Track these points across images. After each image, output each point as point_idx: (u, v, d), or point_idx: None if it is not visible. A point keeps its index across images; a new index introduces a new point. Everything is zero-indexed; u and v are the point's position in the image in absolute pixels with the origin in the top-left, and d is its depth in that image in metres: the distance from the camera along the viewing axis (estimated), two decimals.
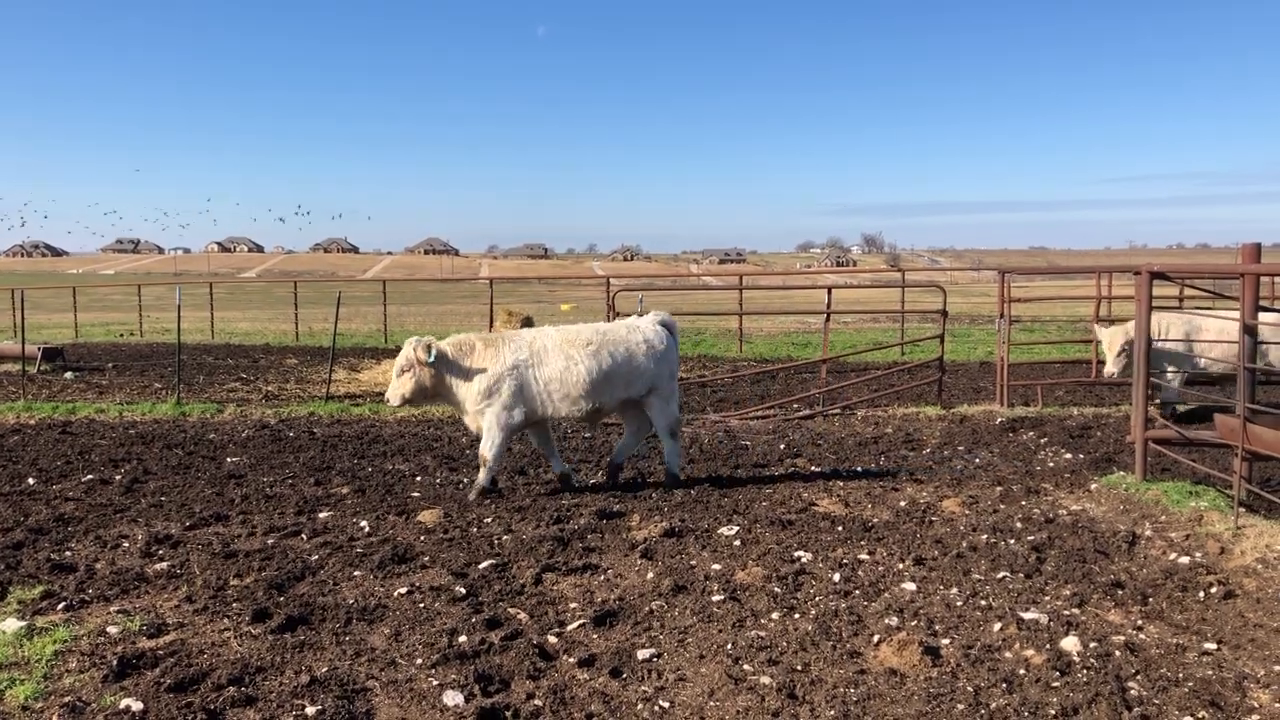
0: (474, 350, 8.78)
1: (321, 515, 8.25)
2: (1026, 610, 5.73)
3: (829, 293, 16.60)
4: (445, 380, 8.76)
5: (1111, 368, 12.41)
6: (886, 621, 5.60)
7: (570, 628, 5.58)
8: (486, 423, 8.66)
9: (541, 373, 8.68)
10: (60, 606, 5.95)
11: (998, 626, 5.49)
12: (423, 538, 7.50)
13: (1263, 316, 12.62)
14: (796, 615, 5.74)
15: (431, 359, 8.67)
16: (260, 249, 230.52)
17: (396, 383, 8.85)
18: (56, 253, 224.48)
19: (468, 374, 8.71)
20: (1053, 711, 4.44)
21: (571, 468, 9.89)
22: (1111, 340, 12.39)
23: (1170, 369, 12.42)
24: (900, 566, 6.64)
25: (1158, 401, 12.58)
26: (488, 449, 8.72)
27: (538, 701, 4.61)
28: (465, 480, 9.63)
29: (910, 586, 6.20)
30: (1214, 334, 12.53)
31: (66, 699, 4.61)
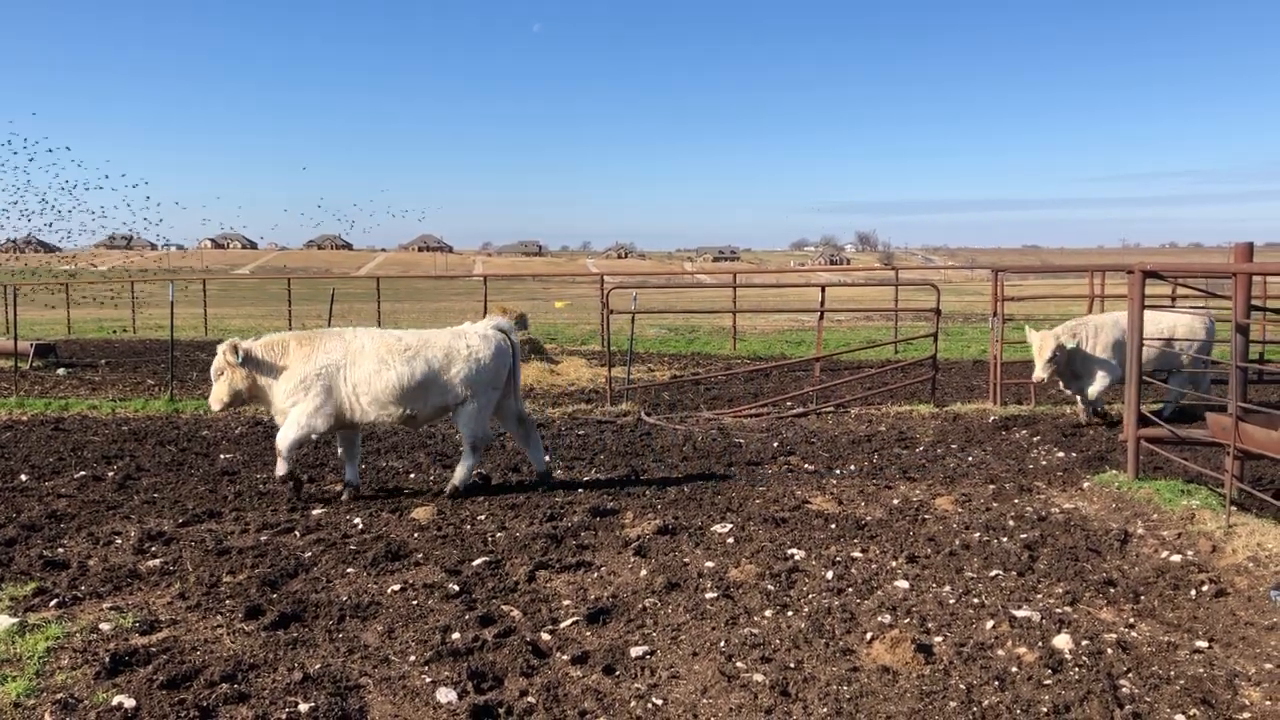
0: (286, 350, 8.57)
1: (315, 512, 8.25)
2: (1019, 608, 5.75)
3: (823, 291, 16.61)
4: (257, 381, 8.56)
5: (1040, 373, 12.01)
6: (879, 619, 5.61)
7: (563, 625, 5.59)
8: (289, 416, 8.44)
9: (351, 375, 8.46)
10: (53, 603, 5.94)
11: (990, 624, 5.50)
12: (416, 535, 7.50)
13: (1176, 317, 12.49)
14: (789, 613, 5.75)
15: (240, 360, 8.52)
16: (254, 245, 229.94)
17: (214, 386, 8.67)
18: (49, 248, 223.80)
19: (278, 374, 8.53)
20: (1045, 709, 4.45)
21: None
22: (1042, 345, 11.98)
23: (1100, 371, 12.18)
24: (893, 564, 6.66)
25: (1093, 408, 12.45)
26: (284, 441, 8.47)
27: (531, 699, 4.61)
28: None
29: (903, 584, 6.22)
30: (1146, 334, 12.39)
31: (59, 696, 4.60)
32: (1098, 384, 12.24)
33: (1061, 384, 12.62)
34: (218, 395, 8.64)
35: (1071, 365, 12.23)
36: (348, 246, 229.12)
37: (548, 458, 10.63)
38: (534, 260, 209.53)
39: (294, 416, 8.44)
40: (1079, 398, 12.58)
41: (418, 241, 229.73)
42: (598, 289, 23.54)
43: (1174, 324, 12.38)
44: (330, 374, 8.46)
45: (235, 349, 8.50)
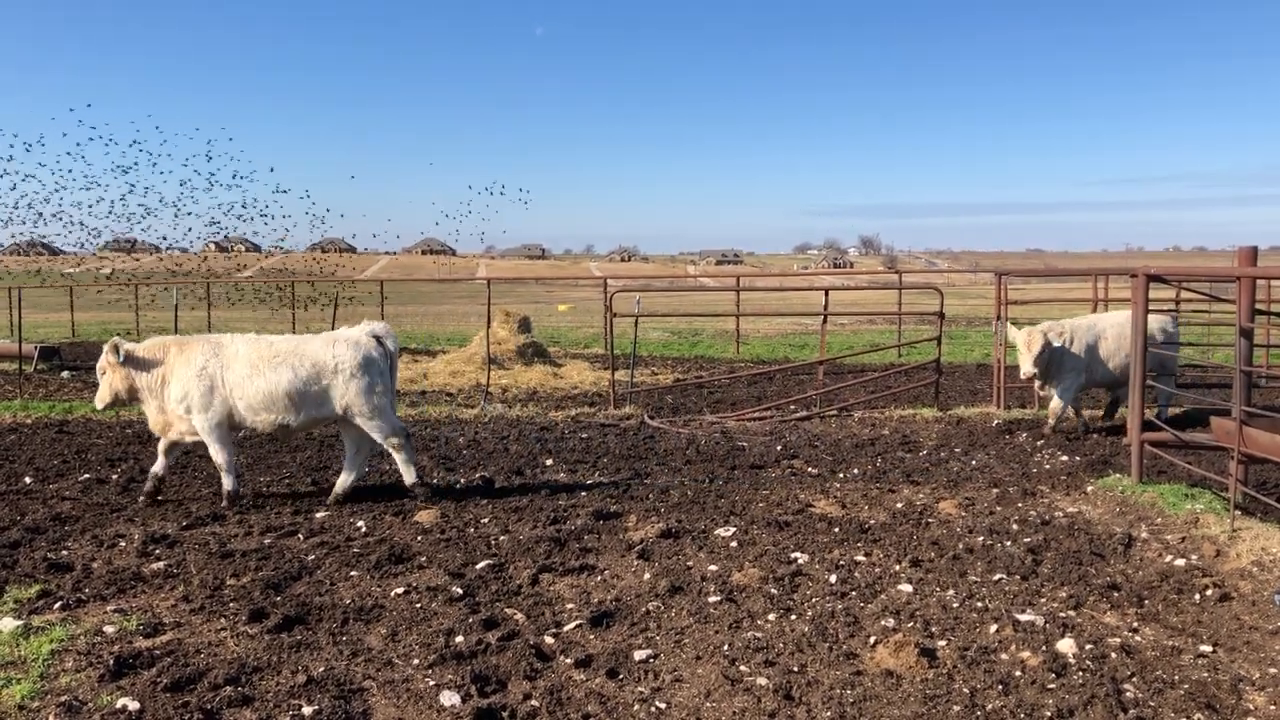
0: (166, 353, 8.60)
1: (318, 515, 8.25)
2: (1023, 612, 5.74)
3: (826, 294, 16.59)
4: (136, 382, 8.58)
5: (1029, 368, 11.71)
6: (883, 623, 5.61)
7: (567, 628, 5.59)
8: (200, 430, 8.51)
9: (227, 378, 8.47)
10: (57, 606, 5.95)
11: (994, 628, 5.50)
12: (420, 538, 7.50)
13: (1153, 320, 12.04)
14: (793, 616, 5.74)
15: (121, 360, 8.53)
16: (257, 248, 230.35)
17: (100, 385, 8.74)
18: (53, 251, 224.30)
19: (159, 377, 8.55)
20: (1049, 713, 4.45)
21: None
22: (1029, 340, 11.70)
23: (1071, 374, 11.97)
24: (897, 568, 6.66)
25: (1062, 412, 12.13)
26: (214, 456, 8.58)
27: (534, 702, 4.62)
28: (463, 480, 9.62)
29: (907, 588, 6.21)
30: (1112, 339, 12.07)
31: (63, 698, 4.61)
32: (1067, 386, 12.04)
33: (1038, 384, 12.49)
34: (101, 394, 8.75)
35: (1049, 366, 12.02)
36: (351, 249, 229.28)
37: (550, 460, 10.64)
38: (537, 263, 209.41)
39: (201, 428, 8.51)
40: (1051, 401, 12.30)
41: (421, 244, 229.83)
42: (601, 292, 23.55)
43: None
44: (211, 375, 8.47)
45: (116, 349, 8.55)
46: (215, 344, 8.67)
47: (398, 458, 8.83)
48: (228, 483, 8.60)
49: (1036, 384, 12.50)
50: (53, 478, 9.84)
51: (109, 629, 5.54)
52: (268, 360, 8.48)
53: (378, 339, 8.84)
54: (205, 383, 8.44)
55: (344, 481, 8.88)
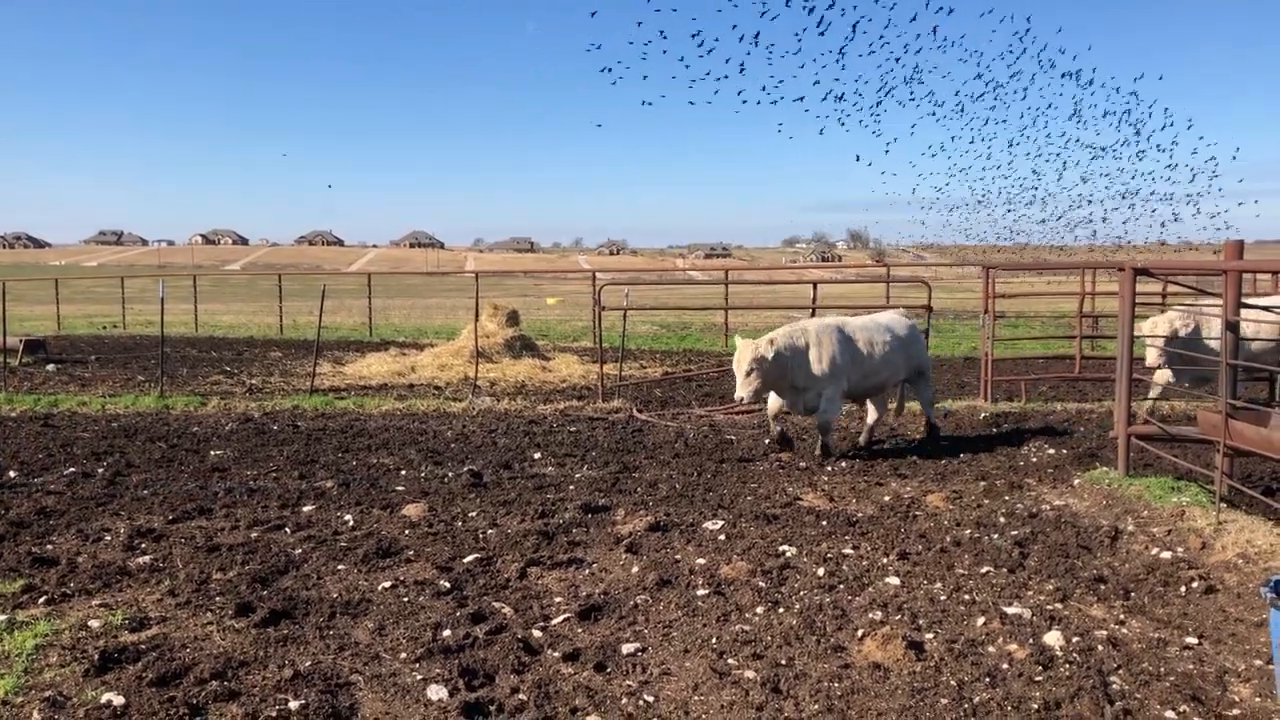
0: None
1: (305, 509, 8.22)
2: (1010, 605, 5.76)
3: (814, 288, 16.64)
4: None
5: (740, 392, 10.07)
6: (871, 616, 5.62)
7: (555, 622, 5.59)
8: None
9: None
10: (41, 600, 5.92)
11: (981, 621, 5.51)
12: (407, 532, 7.48)
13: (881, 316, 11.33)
14: (781, 610, 5.75)
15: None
16: (244, 241, 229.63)
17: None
18: (39, 244, 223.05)
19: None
20: (1035, 705, 4.46)
21: None
22: (739, 358, 10.07)
23: (825, 385, 10.37)
24: (884, 561, 6.67)
25: (827, 434, 10.49)
26: None
27: (522, 696, 4.61)
28: (450, 474, 9.61)
29: (894, 581, 6.23)
30: (863, 343, 10.62)
31: (47, 693, 4.58)
32: (824, 402, 10.35)
33: (781, 402, 10.64)
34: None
35: (789, 378, 10.30)
36: (339, 243, 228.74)
37: (538, 454, 10.63)
38: (526, 257, 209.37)
39: None
40: (816, 418, 10.59)
41: (409, 238, 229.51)
42: (589, 285, 23.52)
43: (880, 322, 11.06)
44: None
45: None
46: None
47: None
48: None
49: (773, 403, 10.71)
50: (37, 471, 9.78)
51: (94, 624, 5.51)
52: None
53: None
54: None
55: None
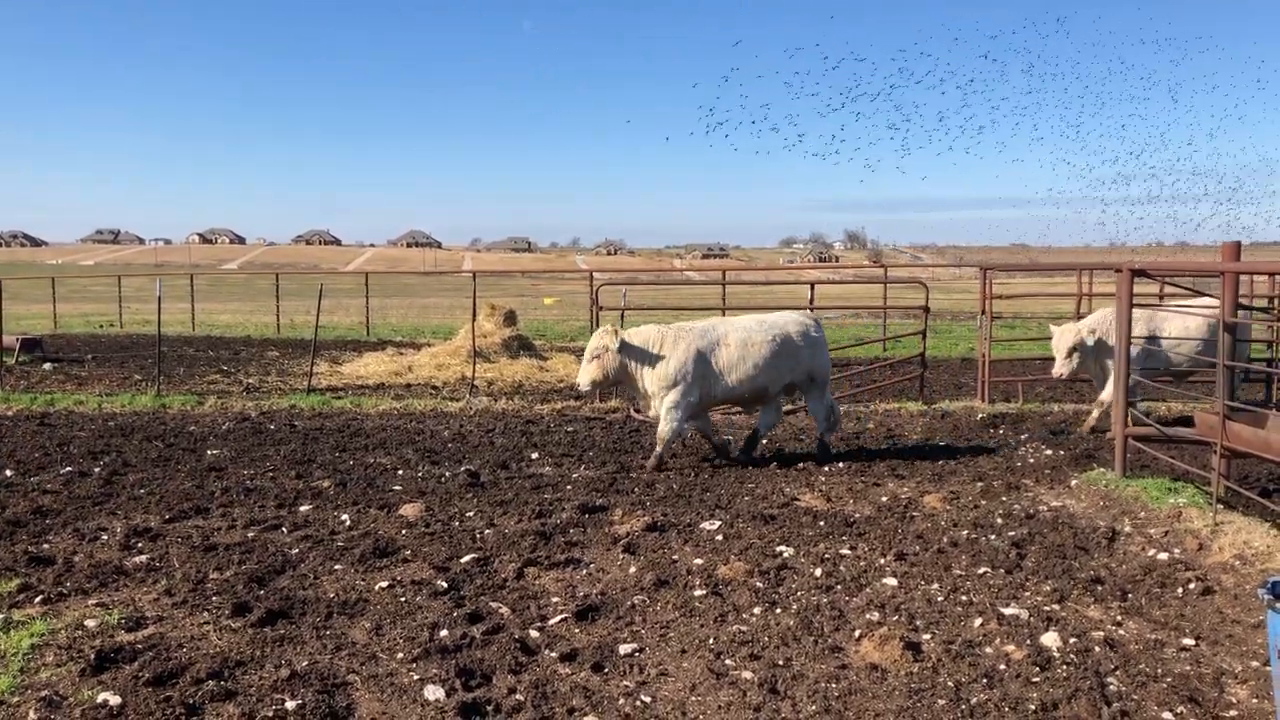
0: None
1: (302, 508, 8.21)
2: (1007, 606, 5.76)
3: (812, 288, 16.64)
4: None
5: (584, 386, 10.05)
6: (868, 617, 5.62)
7: (552, 622, 5.58)
8: None
9: None
10: (38, 599, 5.91)
11: (978, 622, 5.51)
12: (404, 531, 7.48)
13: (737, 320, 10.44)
14: (778, 610, 5.75)
15: None
16: (242, 240, 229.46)
17: None
18: (35, 243, 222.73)
19: None
20: (1033, 706, 4.46)
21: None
22: (589, 353, 9.93)
23: (671, 393, 9.80)
24: (882, 562, 6.67)
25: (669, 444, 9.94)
26: None
27: (519, 696, 4.60)
28: (448, 474, 9.60)
29: (892, 582, 6.23)
30: (735, 347, 10.03)
31: (43, 693, 4.57)
32: (674, 404, 9.74)
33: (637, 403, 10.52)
34: None
35: (639, 382, 9.91)
36: (336, 242, 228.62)
37: (535, 454, 10.62)
38: (523, 257, 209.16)
39: None
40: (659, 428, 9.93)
41: (406, 237, 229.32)
42: (587, 285, 23.51)
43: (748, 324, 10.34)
44: None
45: None
46: None
47: None
48: None
49: (641, 403, 10.36)
50: (34, 470, 9.76)
51: (90, 623, 5.50)
52: None
53: None
54: None
55: None
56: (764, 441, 10.90)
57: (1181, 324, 11.80)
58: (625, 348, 9.81)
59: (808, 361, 10.36)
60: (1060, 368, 11.58)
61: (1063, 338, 11.54)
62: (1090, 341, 11.43)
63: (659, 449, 9.88)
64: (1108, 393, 11.66)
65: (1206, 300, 11.85)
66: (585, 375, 9.91)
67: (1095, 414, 11.94)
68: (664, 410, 9.78)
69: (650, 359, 9.81)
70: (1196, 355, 11.80)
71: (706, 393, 9.93)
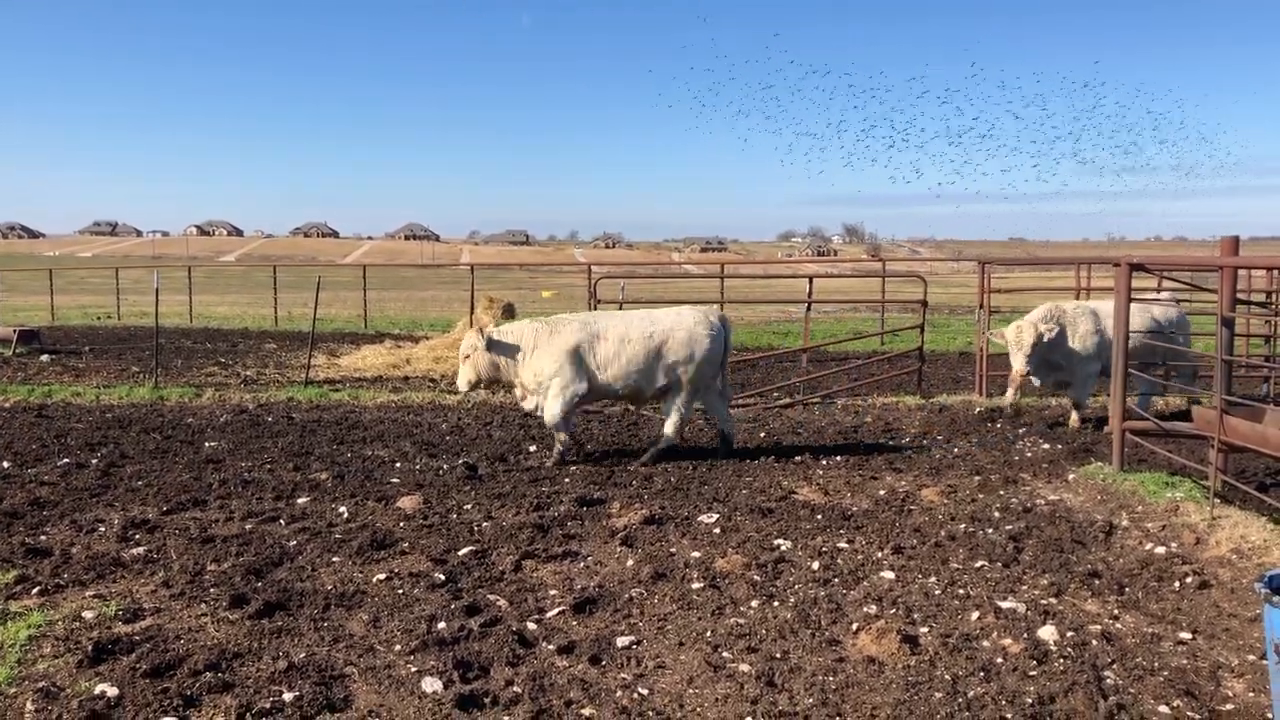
0: None
1: (300, 501, 8.21)
2: (1004, 599, 5.77)
3: (810, 282, 16.64)
4: None
5: (463, 385, 10.00)
6: (865, 610, 5.63)
7: (550, 615, 5.58)
8: None
9: None
10: (35, 591, 5.91)
11: (976, 615, 5.52)
12: (402, 524, 7.47)
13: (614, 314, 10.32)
14: (776, 603, 5.75)
15: None
16: (240, 232, 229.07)
17: None
18: (33, 234, 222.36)
19: None
20: (1030, 700, 4.47)
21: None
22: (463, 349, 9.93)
23: (553, 389, 9.65)
24: (879, 555, 6.67)
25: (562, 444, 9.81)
26: None
27: (517, 688, 4.61)
28: (445, 466, 9.60)
29: (889, 575, 6.23)
30: (614, 341, 9.74)
31: (41, 684, 4.57)
32: (551, 411, 9.66)
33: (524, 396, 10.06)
34: None
35: (515, 378, 9.84)
36: (334, 234, 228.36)
37: (533, 447, 10.62)
38: (521, 249, 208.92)
39: None
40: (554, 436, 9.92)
41: (404, 230, 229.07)
42: (585, 279, 23.51)
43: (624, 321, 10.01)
44: None
45: None
46: None
47: None
48: None
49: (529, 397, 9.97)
50: (31, 462, 9.75)
51: (88, 614, 5.50)
52: None
53: None
54: None
55: None
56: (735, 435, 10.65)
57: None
58: (493, 345, 9.71)
59: (692, 360, 9.81)
60: (1022, 365, 11.53)
61: (1023, 334, 11.50)
62: (1049, 336, 11.42)
63: (558, 446, 9.75)
64: (1080, 392, 11.71)
65: (1157, 296, 11.88)
66: (461, 377, 9.92)
67: (1011, 393, 12.17)
68: (549, 405, 9.65)
69: (523, 354, 9.69)
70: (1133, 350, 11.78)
71: (589, 386, 9.69)
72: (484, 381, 9.97)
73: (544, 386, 9.64)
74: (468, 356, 9.78)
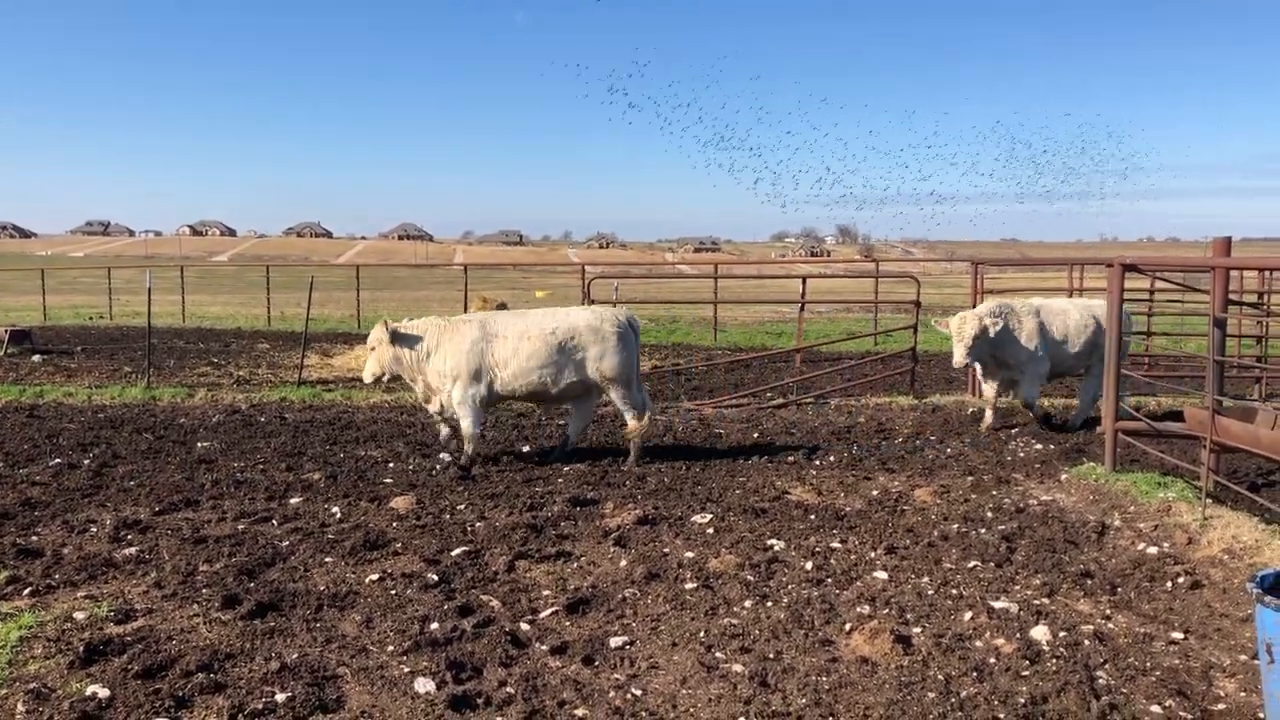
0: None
1: (293, 501, 8.19)
2: (997, 599, 5.78)
3: (803, 282, 16.63)
4: None
5: (364, 377, 10.12)
6: (858, 610, 5.63)
7: (543, 615, 5.58)
8: None
9: None
10: (26, 592, 5.88)
11: (968, 615, 5.53)
12: (395, 524, 7.46)
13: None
14: (769, 603, 5.75)
15: None
16: (232, 232, 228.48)
17: None
18: (25, 234, 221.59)
19: None
20: (1022, 700, 4.47)
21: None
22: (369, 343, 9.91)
23: (462, 397, 9.59)
24: (872, 555, 6.68)
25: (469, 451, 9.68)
26: None
27: (509, 689, 4.60)
28: (438, 467, 9.58)
29: (882, 575, 6.24)
30: (513, 339, 9.60)
31: (32, 685, 4.55)
32: (460, 411, 9.60)
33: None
34: None
35: (417, 374, 9.83)
36: (327, 234, 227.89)
37: (526, 447, 10.61)
38: (515, 249, 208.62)
39: None
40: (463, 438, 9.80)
41: (398, 230, 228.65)
42: (579, 279, 23.50)
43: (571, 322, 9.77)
44: None
45: None
46: None
47: None
48: None
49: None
50: (22, 462, 9.72)
51: (79, 615, 5.48)
52: None
53: None
54: None
55: None
56: (578, 444, 10.40)
57: (1063, 323, 11.81)
58: (397, 338, 9.67)
59: (596, 361, 9.65)
60: (962, 356, 11.36)
61: (965, 325, 11.32)
62: (993, 331, 11.28)
63: (466, 447, 9.64)
64: (1029, 391, 11.65)
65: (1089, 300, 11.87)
66: (367, 369, 9.94)
67: (989, 415, 11.92)
68: (457, 406, 9.59)
69: (425, 351, 9.64)
70: (1074, 355, 11.82)
71: (489, 387, 9.58)
72: (387, 375, 9.92)
73: (446, 389, 9.60)
74: (373, 349, 9.77)
